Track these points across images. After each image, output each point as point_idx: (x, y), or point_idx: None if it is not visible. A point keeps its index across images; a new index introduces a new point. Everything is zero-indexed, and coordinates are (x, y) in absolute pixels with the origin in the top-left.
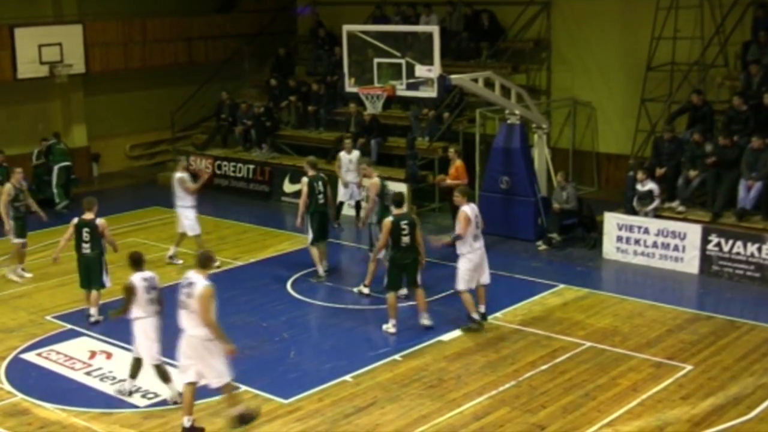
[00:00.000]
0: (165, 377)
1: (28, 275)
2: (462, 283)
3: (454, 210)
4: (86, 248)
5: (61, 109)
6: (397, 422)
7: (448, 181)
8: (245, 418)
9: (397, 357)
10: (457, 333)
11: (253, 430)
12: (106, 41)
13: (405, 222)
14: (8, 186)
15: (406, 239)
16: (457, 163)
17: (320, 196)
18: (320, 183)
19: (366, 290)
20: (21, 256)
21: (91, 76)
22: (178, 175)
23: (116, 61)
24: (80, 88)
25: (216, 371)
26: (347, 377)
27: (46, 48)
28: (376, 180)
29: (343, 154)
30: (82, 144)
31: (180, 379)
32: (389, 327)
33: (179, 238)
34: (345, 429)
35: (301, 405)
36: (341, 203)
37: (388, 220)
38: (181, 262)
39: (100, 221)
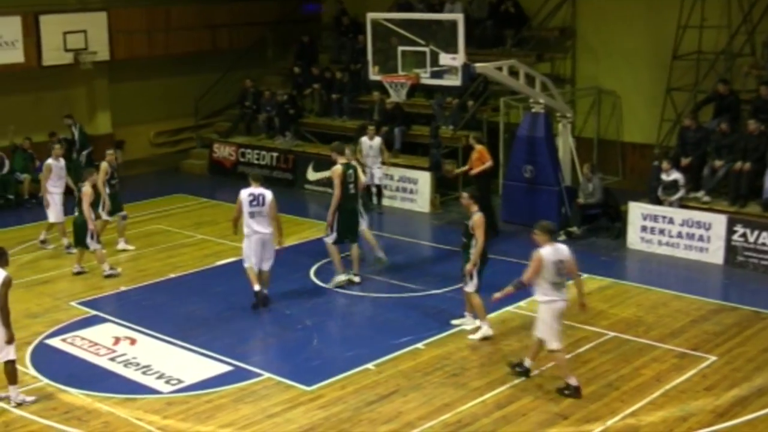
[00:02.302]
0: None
1: (131, 247)
2: (553, 340)
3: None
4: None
5: (85, 97)
6: (420, 410)
7: (457, 171)
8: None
9: (419, 345)
10: (479, 322)
11: (275, 418)
12: (130, 28)
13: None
14: (104, 164)
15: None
16: (479, 147)
17: (351, 186)
18: (352, 171)
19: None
20: (122, 230)
21: (115, 64)
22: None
23: (140, 49)
24: (105, 76)
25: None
26: (370, 365)
27: (71, 35)
28: (339, 167)
29: (364, 140)
30: (107, 131)
31: None
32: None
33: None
34: (367, 417)
35: (323, 392)
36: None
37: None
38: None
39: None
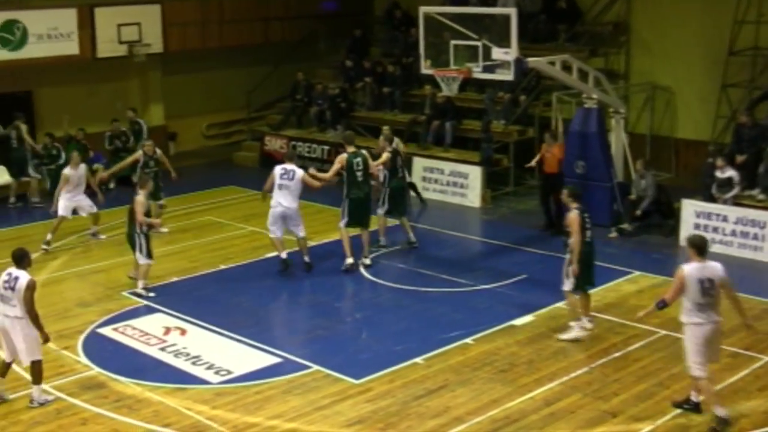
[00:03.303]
0: None
1: (164, 230)
2: (696, 367)
3: (556, 202)
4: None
5: (138, 88)
6: (468, 405)
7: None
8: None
9: (468, 340)
10: (529, 318)
11: (323, 411)
12: (183, 21)
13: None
14: (139, 153)
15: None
16: (557, 144)
17: (359, 174)
18: (360, 159)
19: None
20: (157, 217)
21: (168, 56)
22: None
23: (194, 41)
24: (158, 68)
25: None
26: (418, 359)
27: (125, 27)
28: (344, 155)
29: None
30: (160, 123)
31: None
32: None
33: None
34: (415, 411)
35: (371, 386)
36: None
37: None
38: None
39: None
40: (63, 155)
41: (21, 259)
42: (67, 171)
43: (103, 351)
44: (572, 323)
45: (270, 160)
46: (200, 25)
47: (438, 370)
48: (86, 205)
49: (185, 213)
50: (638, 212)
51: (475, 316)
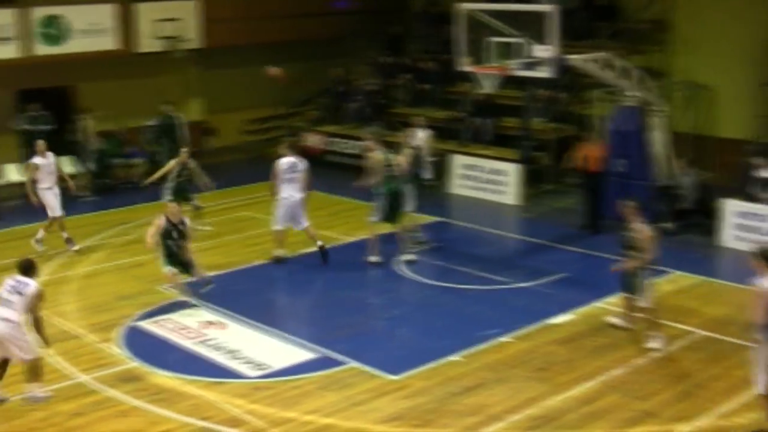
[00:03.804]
0: None
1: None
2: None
3: (590, 193)
4: None
5: (178, 83)
6: (505, 404)
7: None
8: None
9: (506, 338)
10: (567, 316)
11: (360, 406)
12: (223, 17)
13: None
14: (179, 158)
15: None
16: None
17: (391, 169)
18: (391, 156)
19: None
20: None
21: (208, 51)
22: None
23: (233, 37)
24: (197, 63)
25: None
26: (456, 356)
27: (166, 23)
28: (377, 153)
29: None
30: (198, 118)
31: None
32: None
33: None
34: (453, 408)
35: (409, 382)
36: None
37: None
38: None
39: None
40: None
41: (29, 269)
42: (36, 160)
43: (143, 344)
44: (652, 333)
45: (307, 156)
46: (240, 21)
47: (475, 368)
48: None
49: (223, 208)
50: (680, 210)
51: (512, 314)
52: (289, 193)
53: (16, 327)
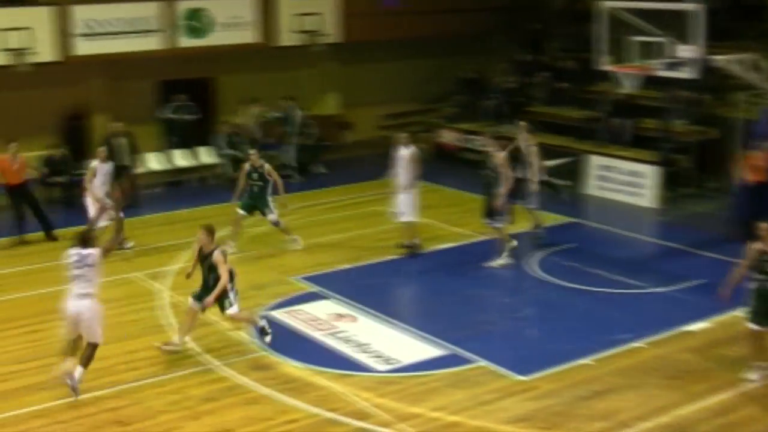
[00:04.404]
0: None
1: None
2: None
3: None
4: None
5: (317, 77)
6: (636, 410)
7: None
8: None
9: (639, 344)
10: (704, 324)
11: (487, 406)
12: (362, 11)
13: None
14: (246, 165)
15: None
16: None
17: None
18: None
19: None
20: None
21: (347, 46)
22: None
23: (372, 32)
24: (335, 57)
25: None
26: (587, 360)
27: (306, 17)
28: (500, 154)
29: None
30: (336, 111)
31: None
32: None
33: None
34: (581, 412)
35: (537, 384)
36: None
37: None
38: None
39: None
40: (243, 141)
41: (88, 240)
42: (94, 164)
43: (274, 333)
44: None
45: (442, 152)
46: (379, 16)
47: (606, 372)
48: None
49: (355, 202)
50: None
51: (647, 319)
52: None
53: (95, 302)
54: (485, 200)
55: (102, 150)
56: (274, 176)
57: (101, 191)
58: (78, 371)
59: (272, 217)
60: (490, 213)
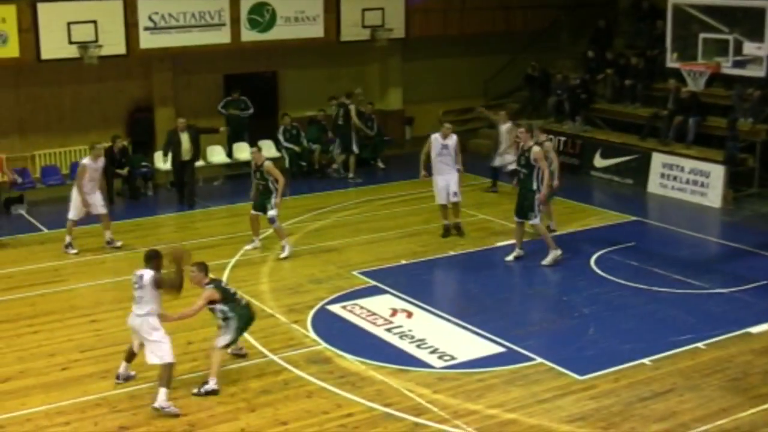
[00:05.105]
0: None
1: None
2: None
3: None
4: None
5: (378, 73)
6: (695, 412)
7: None
8: None
9: (700, 345)
10: (767, 326)
11: (545, 404)
12: (426, 7)
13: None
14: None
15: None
16: None
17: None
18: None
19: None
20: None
21: (409, 41)
22: None
23: (435, 27)
24: (398, 53)
25: None
26: (646, 360)
27: (369, 12)
28: (537, 148)
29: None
30: (397, 107)
31: None
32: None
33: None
34: (640, 413)
35: (595, 383)
36: None
37: (540, 149)
38: None
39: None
40: (303, 136)
41: (147, 260)
42: (85, 161)
43: (331, 327)
44: None
45: None
46: (442, 12)
47: (666, 373)
48: (98, 203)
49: (415, 198)
50: None
51: (708, 320)
52: (438, 169)
53: (146, 322)
54: (519, 198)
55: (99, 147)
56: (275, 174)
57: (89, 188)
58: (160, 394)
59: (271, 213)
60: (522, 211)
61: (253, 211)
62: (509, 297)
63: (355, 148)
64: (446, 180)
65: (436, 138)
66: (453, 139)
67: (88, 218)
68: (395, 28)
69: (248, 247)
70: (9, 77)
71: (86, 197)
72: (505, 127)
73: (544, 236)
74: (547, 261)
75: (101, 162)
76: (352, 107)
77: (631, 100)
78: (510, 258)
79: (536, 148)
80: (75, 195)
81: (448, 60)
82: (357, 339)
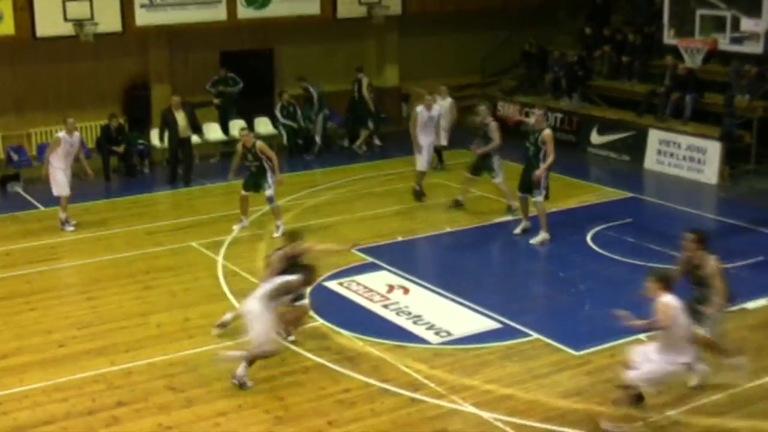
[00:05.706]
0: None
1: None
2: None
3: None
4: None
5: (375, 50)
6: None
7: None
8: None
9: None
10: (762, 301)
11: (541, 379)
12: None
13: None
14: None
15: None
16: None
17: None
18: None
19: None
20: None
21: (406, 18)
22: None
23: (432, 4)
24: (395, 30)
25: None
26: (642, 336)
27: None
28: (548, 131)
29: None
30: (394, 84)
31: None
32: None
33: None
34: None
35: (591, 359)
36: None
37: (550, 131)
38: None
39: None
40: (299, 113)
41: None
42: (60, 134)
43: (328, 304)
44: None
45: (502, 125)
46: None
47: None
48: (67, 183)
49: (412, 175)
50: None
51: None
52: (424, 137)
53: (262, 311)
54: (524, 173)
55: (71, 122)
56: (268, 153)
57: (63, 163)
58: (240, 368)
59: (269, 192)
60: (528, 186)
61: (243, 191)
62: (505, 273)
63: (370, 124)
64: (432, 143)
65: (421, 111)
66: (436, 110)
67: (84, 195)
68: (392, 5)
69: (236, 227)
70: (5, 55)
71: (56, 172)
72: (446, 103)
73: (541, 216)
74: (536, 240)
75: (76, 137)
76: (365, 80)
77: (628, 77)
78: (518, 231)
79: (547, 131)
80: (51, 171)
81: (446, 37)
82: (354, 315)
